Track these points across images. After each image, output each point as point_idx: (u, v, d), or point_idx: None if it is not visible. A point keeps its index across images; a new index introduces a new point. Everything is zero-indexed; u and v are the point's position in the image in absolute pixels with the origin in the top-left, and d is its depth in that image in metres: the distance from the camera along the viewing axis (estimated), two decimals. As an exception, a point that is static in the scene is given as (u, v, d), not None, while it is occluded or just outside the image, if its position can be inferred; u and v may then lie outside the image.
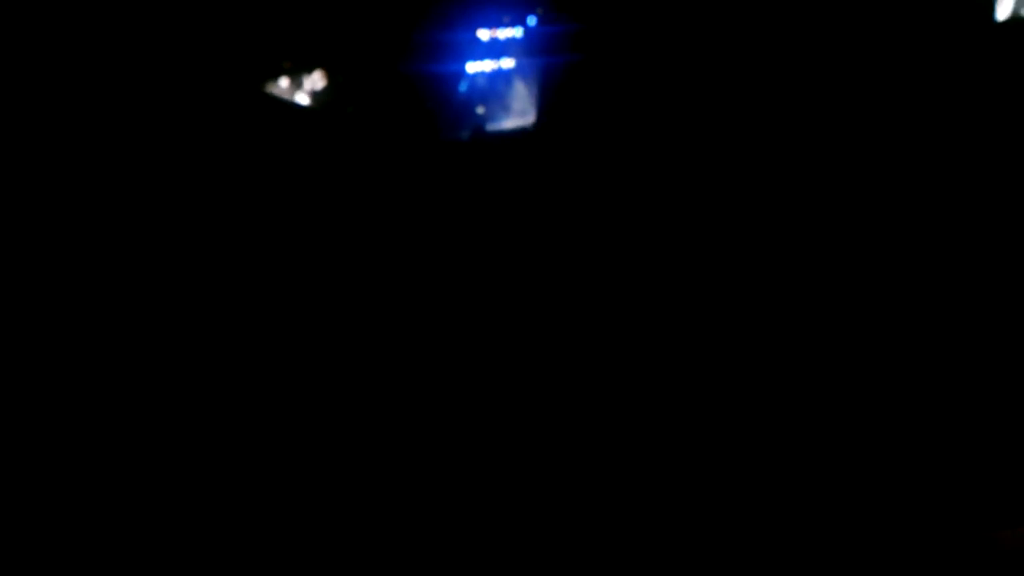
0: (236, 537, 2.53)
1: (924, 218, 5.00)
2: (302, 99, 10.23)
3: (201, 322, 5.77)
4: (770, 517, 2.39)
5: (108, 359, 4.60)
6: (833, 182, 6.66)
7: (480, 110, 11.22)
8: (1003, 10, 12.24)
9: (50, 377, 4.14)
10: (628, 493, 2.58)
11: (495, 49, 11.17)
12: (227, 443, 3.35)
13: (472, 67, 11.06)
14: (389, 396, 3.77)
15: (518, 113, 11.32)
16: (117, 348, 4.80)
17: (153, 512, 2.69)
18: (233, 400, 3.93)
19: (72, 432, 3.46)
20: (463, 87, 11.02)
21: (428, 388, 3.82)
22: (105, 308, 5.99)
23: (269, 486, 2.87)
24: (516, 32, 11.08)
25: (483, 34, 10.90)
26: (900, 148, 7.01)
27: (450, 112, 10.95)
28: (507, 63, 11.19)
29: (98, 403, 3.83)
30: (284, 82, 9.82)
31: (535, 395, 3.51)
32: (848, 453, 2.66)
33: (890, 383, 3.06)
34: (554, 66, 11.28)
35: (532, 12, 10.99)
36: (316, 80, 10.01)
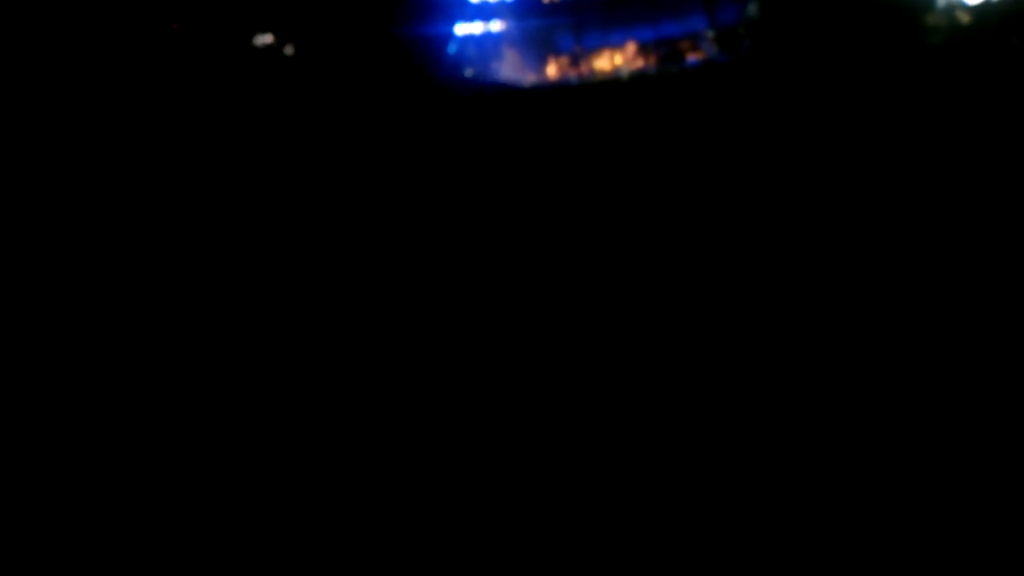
0: (235, 535, 2.61)
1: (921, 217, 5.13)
2: (288, 59, 10.22)
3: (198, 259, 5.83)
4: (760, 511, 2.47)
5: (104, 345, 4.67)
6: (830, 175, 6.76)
7: (468, 72, 11.25)
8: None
9: (48, 375, 4.17)
10: (627, 488, 2.65)
11: (484, 11, 11.18)
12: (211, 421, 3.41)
13: (461, 29, 11.08)
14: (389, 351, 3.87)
15: (505, 75, 11.35)
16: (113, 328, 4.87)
17: (152, 511, 2.76)
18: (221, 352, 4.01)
19: (70, 429, 3.52)
20: (452, 49, 11.04)
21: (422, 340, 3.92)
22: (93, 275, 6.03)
23: (267, 475, 2.93)
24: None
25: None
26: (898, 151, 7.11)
27: (439, 73, 10.97)
28: (495, 26, 11.20)
29: (95, 396, 3.90)
30: (271, 39, 9.80)
31: (536, 357, 3.59)
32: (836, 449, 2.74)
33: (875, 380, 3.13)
34: (542, 29, 11.30)
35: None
36: (304, 41, 10.00)
